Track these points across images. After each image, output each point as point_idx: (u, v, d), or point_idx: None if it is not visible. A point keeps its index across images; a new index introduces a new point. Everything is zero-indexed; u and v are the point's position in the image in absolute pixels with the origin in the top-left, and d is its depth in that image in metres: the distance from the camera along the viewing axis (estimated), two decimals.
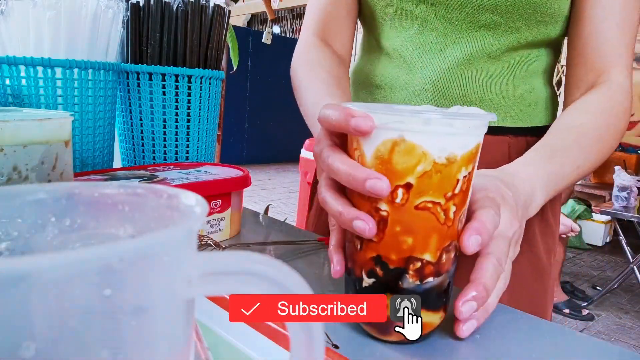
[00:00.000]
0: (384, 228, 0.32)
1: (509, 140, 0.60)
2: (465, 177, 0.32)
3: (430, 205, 0.31)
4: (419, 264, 0.32)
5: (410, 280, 0.32)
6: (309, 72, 0.60)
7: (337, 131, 0.33)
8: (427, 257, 0.32)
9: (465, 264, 0.39)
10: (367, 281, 0.34)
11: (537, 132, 0.61)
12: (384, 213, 0.31)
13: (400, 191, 0.31)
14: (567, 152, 0.49)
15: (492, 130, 0.59)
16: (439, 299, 0.34)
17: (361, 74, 0.67)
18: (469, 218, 0.34)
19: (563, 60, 0.62)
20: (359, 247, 0.34)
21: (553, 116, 0.64)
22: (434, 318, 0.34)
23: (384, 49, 0.62)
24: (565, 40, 0.61)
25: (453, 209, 0.32)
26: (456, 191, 0.31)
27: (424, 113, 0.30)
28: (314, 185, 0.74)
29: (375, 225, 0.31)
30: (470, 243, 0.32)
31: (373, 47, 0.65)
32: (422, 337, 0.34)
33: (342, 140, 0.35)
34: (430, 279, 0.33)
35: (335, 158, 0.32)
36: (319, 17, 0.66)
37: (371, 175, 0.30)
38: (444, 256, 0.33)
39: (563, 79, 0.62)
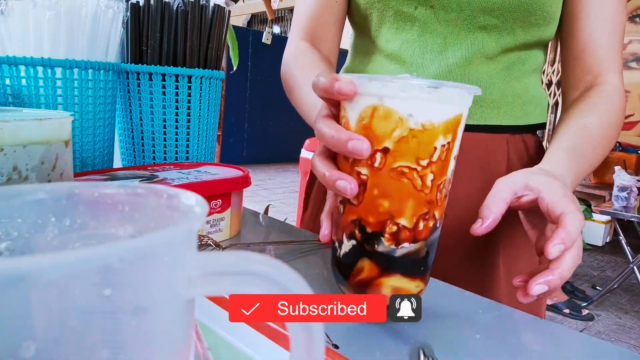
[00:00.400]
0: (363, 191, 0.33)
1: (508, 138, 0.62)
2: (444, 146, 0.33)
3: (406, 170, 0.32)
4: (394, 228, 0.33)
5: (386, 244, 0.34)
6: (306, 73, 0.61)
7: (327, 97, 0.36)
8: (403, 221, 0.33)
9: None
10: (346, 244, 0.35)
11: (532, 130, 0.64)
12: (364, 177, 0.33)
13: (378, 155, 0.32)
14: (585, 152, 0.52)
15: (492, 129, 0.61)
16: (414, 266, 0.35)
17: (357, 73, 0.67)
18: (554, 220, 0.37)
19: (549, 66, 0.66)
20: (341, 210, 0.36)
21: (544, 114, 0.66)
22: (410, 285, 0.35)
23: (382, 50, 0.63)
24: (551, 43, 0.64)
25: (430, 176, 0.33)
26: (434, 159, 0.32)
27: (404, 80, 0.31)
28: (309, 185, 0.75)
29: (356, 185, 0.33)
30: (555, 251, 0.35)
31: (369, 48, 0.65)
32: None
33: (338, 111, 0.37)
34: (406, 244, 0.34)
35: (324, 123, 0.35)
36: (306, 23, 0.67)
37: (352, 137, 0.32)
38: (421, 223, 0.34)
39: (553, 79, 0.65)
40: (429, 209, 0.34)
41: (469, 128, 0.55)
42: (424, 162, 0.32)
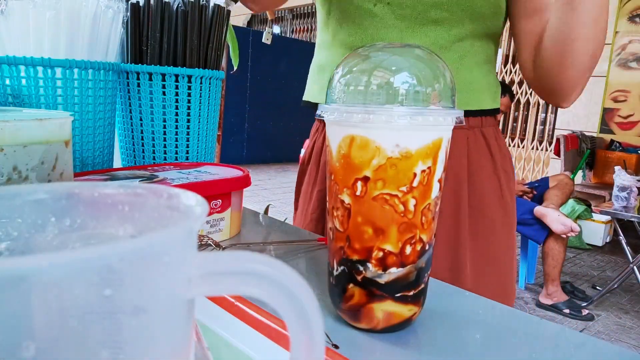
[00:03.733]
0: (348, 219, 0.34)
1: (468, 134, 0.68)
2: (424, 171, 0.33)
3: (387, 197, 0.33)
4: (380, 254, 0.34)
5: (373, 269, 0.34)
6: None
7: None
8: (389, 247, 0.34)
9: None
10: (337, 269, 0.36)
11: (486, 115, 0.70)
12: (347, 205, 0.34)
13: (359, 184, 0.33)
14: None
15: None
16: (405, 291, 0.35)
17: (325, 69, 0.74)
18: None
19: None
20: (331, 237, 0.36)
21: (497, 101, 0.72)
22: (402, 309, 0.35)
23: (345, 44, 0.69)
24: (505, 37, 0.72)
25: (413, 201, 0.33)
26: (414, 184, 0.33)
27: (378, 111, 0.32)
28: (298, 185, 0.81)
29: None
30: None
31: (333, 43, 0.71)
32: (392, 328, 0.35)
33: None
34: (394, 269, 0.34)
35: None
36: None
37: None
38: (408, 247, 0.34)
39: (515, 79, 0.70)
40: (414, 233, 0.34)
41: None
42: (404, 189, 0.33)
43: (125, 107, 0.70)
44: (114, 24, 0.63)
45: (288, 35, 8.20)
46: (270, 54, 6.47)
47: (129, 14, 0.66)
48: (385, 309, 0.35)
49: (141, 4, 0.66)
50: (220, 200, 0.54)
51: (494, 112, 0.71)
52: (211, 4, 0.68)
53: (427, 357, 0.33)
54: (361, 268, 0.34)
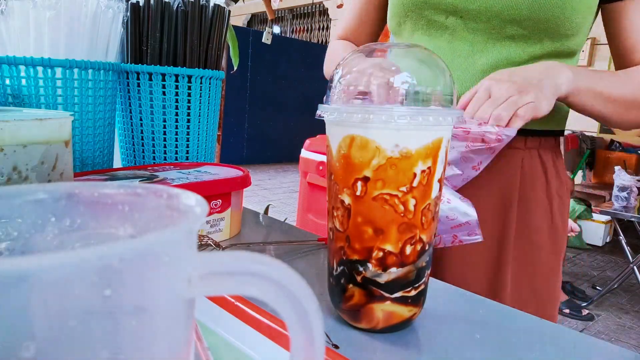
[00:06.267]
0: (348, 219, 0.34)
1: (523, 155, 0.64)
2: (424, 171, 0.33)
3: (387, 197, 0.33)
4: (380, 254, 0.34)
5: (373, 269, 0.34)
6: (339, 53, 0.73)
7: None
8: (389, 247, 0.33)
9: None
10: (337, 269, 0.36)
11: (546, 135, 0.66)
12: (348, 205, 0.34)
13: (359, 184, 0.33)
14: (604, 75, 0.57)
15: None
16: (405, 291, 0.35)
17: None
18: None
19: None
20: (331, 237, 0.36)
21: (564, 122, 0.68)
22: (402, 310, 0.35)
23: None
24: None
25: (413, 201, 0.33)
26: (414, 184, 0.33)
27: (377, 111, 0.32)
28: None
29: None
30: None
31: None
32: (392, 328, 0.35)
33: None
34: (394, 269, 0.34)
35: None
36: (346, 24, 0.79)
37: None
38: (408, 247, 0.34)
39: None
40: (414, 233, 0.34)
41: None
42: (404, 189, 0.33)
43: (125, 107, 0.70)
44: (114, 24, 0.63)
45: (288, 35, 8.20)
46: (270, 54, 6.47)
47: (129, 14, 0.66)
48: (385, 309, 0.35)
49: (141, 4, 0.66)
50: (220, 200, 0.54)
51: (555, 134, 0.67)
52: (211, 4, 0.68)
53: (427, 357, 0.33)
54: (361, 268, 0.34)
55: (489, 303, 0.42)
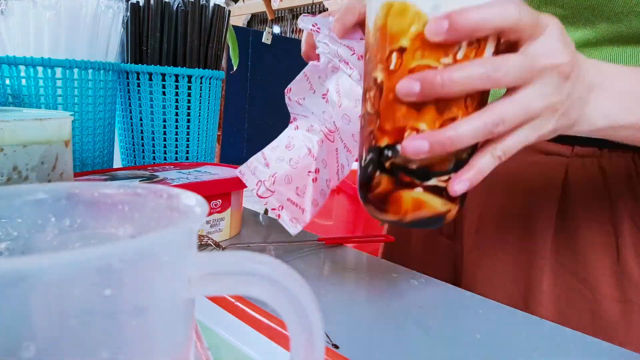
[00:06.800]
0: (379, 98, 0.30)
1: (568, 162, 0.49)
2: (472, 44, 0.28)
3: (426, 70, 0.28)
4: (413, 134, 0.29)
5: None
6: None
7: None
8: (423, 126, 0.29)
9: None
10: (365, 158, 0.32)
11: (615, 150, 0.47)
12: (380, 83, 0.30)
13: (394, 56, 0.29)
14: None
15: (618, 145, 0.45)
16: (439, 179, 0.30)
17: None
18: None
19: None
20: (362, 124, 0.32)
21: None
22: (435, 202, 0.31)
23: None
24: None
25: None
26: (458, 57, 0.28)
27: None
28: None
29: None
30: (457, 188, 0.29)
31: None
32: (421, 222, 0.31)
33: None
34: None
35: None
36: None
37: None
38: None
39: None
40: (456, 115, 0.29)
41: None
42: (447, 60, 0.28)
43: (125, 107, 0.70)
44: (114, 24, 0.63)
45: (288, 35, 8.20)
46: (270, 54, 6.47)
47: (129, 14, 0.66)
48: (415, 198, 0.30)
49: (141, 4, 0.66)
50: (220, 200, 0.54)
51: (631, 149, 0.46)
52: (211, 4, 0.68)
53: (427, 357, 0.33)
54: (390, 153, 0.30)
55: (489, 303, 0.42)
